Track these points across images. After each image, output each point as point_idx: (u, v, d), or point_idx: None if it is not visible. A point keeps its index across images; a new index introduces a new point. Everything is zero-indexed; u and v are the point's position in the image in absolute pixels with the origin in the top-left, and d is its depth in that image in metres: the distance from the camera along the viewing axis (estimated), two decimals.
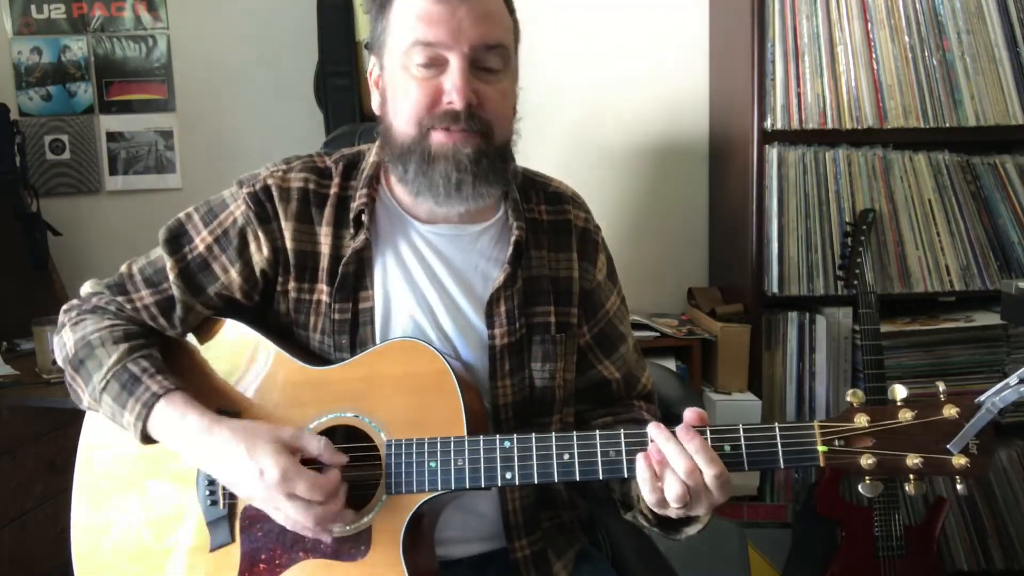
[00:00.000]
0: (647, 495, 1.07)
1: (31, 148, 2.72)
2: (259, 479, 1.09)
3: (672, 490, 1.04)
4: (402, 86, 1.18)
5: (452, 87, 1.15)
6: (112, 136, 2.78)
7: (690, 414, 1.08)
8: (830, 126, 2.41)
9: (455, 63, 1.15)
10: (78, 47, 2.74)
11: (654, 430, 1.07)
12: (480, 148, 1.17)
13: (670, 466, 1.05)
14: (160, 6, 2.74)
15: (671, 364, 2.46)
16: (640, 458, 1.06)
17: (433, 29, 1.14)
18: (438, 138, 1.17)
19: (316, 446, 1.12)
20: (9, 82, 2.73)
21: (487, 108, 1.17)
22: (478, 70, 1.17)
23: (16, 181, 2.56)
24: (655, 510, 1.10)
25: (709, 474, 1.03)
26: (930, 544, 2.24)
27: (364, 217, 1.24)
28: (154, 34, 2.75)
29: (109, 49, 2.75)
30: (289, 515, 1.10)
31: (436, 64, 1.16)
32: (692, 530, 1.15)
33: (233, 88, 2.79)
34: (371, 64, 1.27)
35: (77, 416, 1.29)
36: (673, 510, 1.07)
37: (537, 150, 2.63)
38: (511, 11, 1.24)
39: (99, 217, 2.80)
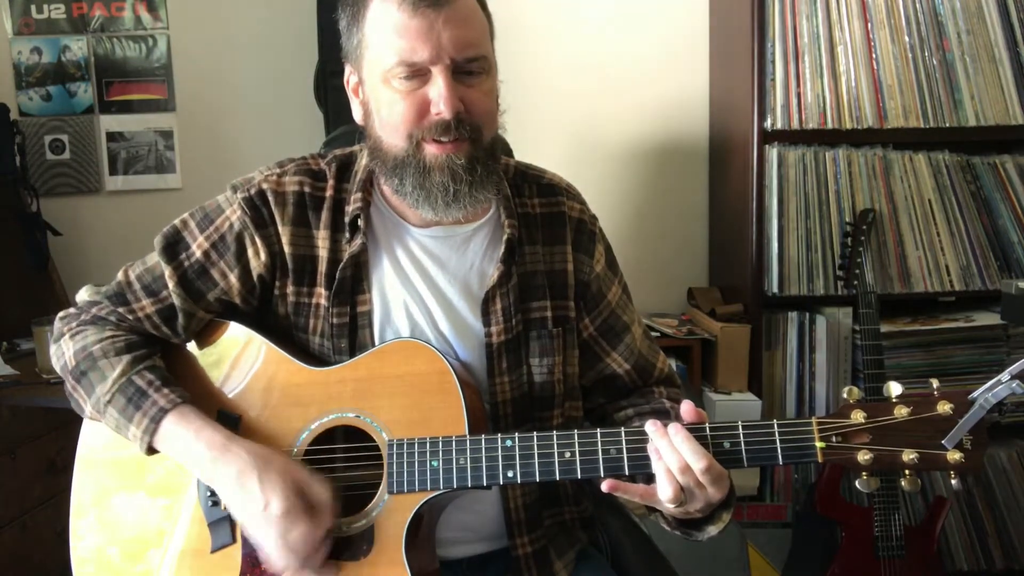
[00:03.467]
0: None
1: (31, 148, 2.72)
2: (263, 510, 1.10)
3: (664, 489, 1.06)
4: (386, 100, 1.17)
5: (439, 97, 1.14)
6: (112, 136, 2.78)
7: (686, 408, 1.09)
8: (830, 126, 2.42)
9: (439, 74, 1.14)
10: (78, 47, 2.74)
11: (650, 427, 1.08)
12: (472, 154, 1.17)
13: (663, 463, 1.06)
14: (160, 6, 2.74)
15: (671, 364, 2.46)
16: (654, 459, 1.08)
17: (414, 45, 1.13)
18: (431, 150, 1.16)
19: (323, 496, 1.13)
20: (9, 82, 2.73)
21: (474, 111, 1.17)
22: (460, 75, 1.16)
23: (16, 181, 2.56)
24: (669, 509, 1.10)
25: (697, 467, 1.04)
26: (930, 544, 2.24)
27: (360, 222, 1.24)
28: (154, 34, 2.75)
29: (109, 49, 2.75)
30: (272, 552, 1.12)
31: (419, 75, 1.15)
32: (714, 529, 1.15)
33: (233, 88, 2.79)
34: (347, 72, 1.26)
35: (77, 416, 1.29)
36: (674, 509, 1.08)
37: (537, 150, 2.61)
38: (483, 6, 1.22)
39: (99, 217, 2.80)
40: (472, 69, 1.16)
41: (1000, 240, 2.47)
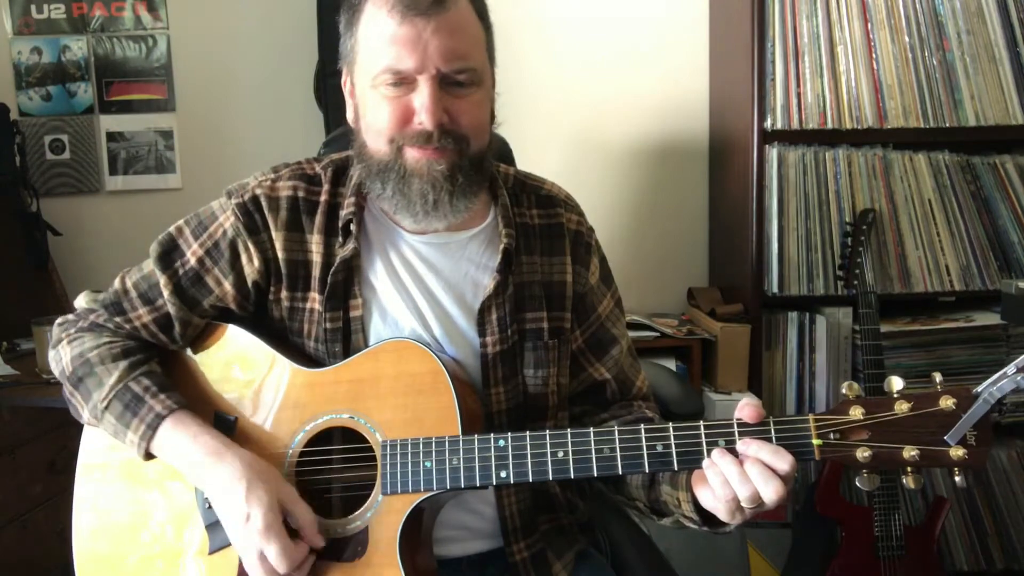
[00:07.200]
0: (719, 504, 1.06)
1: (31, 148, 2.72)
2: (243, 522, 1.11)
3: (720, 512, 1.05)
4: (372, 104, 1.18)
5: (421, 108, 1.14)
6: (112, 136, 2.78)
7: (749, 411, 1.05)
8: (830, 126, 2.41)
9: (424, 84, 1.14)
10: (78, 47, 2.74)
11: (718, 455, 1.05)
12: (454, 163, 1.17)
13: (731, 489, 1.03)
14: (160, 6, 2.74)
15: (671, 364, 2.46)
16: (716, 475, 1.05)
17: (400, 53, 1.13)
18: (412, 154, 1.17)
19: (306, 519, 1.13)
20: (9, 82, 2.73)
21: (460, 122, 1.17)
22: (449, 86, 1.16)
23: (16, 181, 2.55)
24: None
25: (769, 499, 1.02)
26: (930, 544, 2.24)
27: (352, 226, 1.24)
28: (154, 34, 2.75)
29: (109, 49, 2.75)
30: (252, 564, 1.12)
31: (405, 83, 1.15)
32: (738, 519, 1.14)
33: (233, 88, 2.79)
34: (344, 74, 1.26)
35: None
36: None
37: (537, 150, 2.63)
38: (482, 16, 1.21)
39: (99, 217, 2.79)
40: (460, 80, 1.16)
41: (1000, 240, 2.47)
